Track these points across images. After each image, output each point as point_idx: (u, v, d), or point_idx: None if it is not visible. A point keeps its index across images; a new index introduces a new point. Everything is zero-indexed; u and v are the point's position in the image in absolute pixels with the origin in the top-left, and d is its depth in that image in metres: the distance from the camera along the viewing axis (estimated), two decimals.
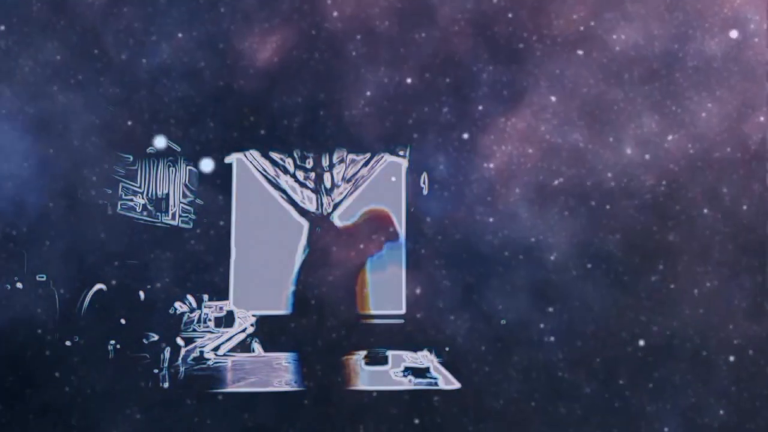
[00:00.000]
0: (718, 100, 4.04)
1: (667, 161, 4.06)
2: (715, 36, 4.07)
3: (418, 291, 4.68)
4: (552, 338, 4.14)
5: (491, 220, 4.31)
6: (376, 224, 4.81)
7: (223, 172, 4.81)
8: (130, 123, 3.93)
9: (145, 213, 4.14)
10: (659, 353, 4.02)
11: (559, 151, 4.15)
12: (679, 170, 4.06)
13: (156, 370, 3.62)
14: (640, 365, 4.02)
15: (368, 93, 4.24)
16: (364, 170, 4.92)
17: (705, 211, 4.07)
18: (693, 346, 4.03)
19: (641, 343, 4.03)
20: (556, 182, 4.17)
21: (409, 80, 4.26)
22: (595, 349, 4.05)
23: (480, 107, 4.26)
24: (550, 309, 4.17)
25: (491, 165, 4.30)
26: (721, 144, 4.05)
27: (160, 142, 4.23)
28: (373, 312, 4.83)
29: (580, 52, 4.07)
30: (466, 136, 4.37)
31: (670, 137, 4.06)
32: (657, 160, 4.06)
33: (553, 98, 4.12)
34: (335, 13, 4.07)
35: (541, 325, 4.16)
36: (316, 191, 4.87)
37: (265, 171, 4.84)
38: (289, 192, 4.85)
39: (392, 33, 4.12)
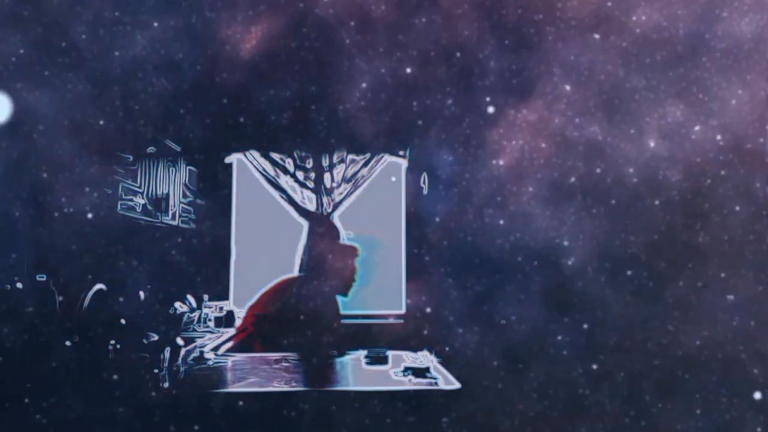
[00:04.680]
0: (749, 85, 3.85)
1: (695, 154, 3.88)
2: (746, 15, 3.85)
3: (418, 291, 4.68)
4: (570, 351, 3.94)
5: (500, 221, 4.15)
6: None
7: (223, 172, 4.96)
8: (129, 123, 4.00)
9: (145, 213, 4.22)
10: (689, 366, 3.83)
11: (575, 145, 3.99)
12: (707, 164, 3.89)
13: (156, 370, 3.64)
14: (669, 379, 3.84)
15: (364, 85, 4.11)
16: (364, 170, 5.02)
17: (737, 208, 3.87)
18: (726, 357, 3.82)
19: (669, 355, 3.86)
20: (572, 179, 4.02)
21: (408, 70, 4.10)
22: (618, 363, 3.88)
23: (487, 98, 4.08)
24: (566, 318, 3.96)
25: (501, 162, 4.12)
26: (753, 134, 3.86)
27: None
28: (373, 312, 4.96)
29: (597, 36, 3.92)
30: (471, 130, 4.22)
31: (697, 128, 3.88)
32: (683, 153, 3.89)
33: (567, 87, 3.98)
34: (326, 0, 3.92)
35: (559, 338, 3.94)
36: (316, 191, 4.97)
37: (265, 171, 4.93)
38: (289, 192, 4.95)
39: (390, 19, 3.98)
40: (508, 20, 3.96)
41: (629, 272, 3.90)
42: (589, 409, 3.82)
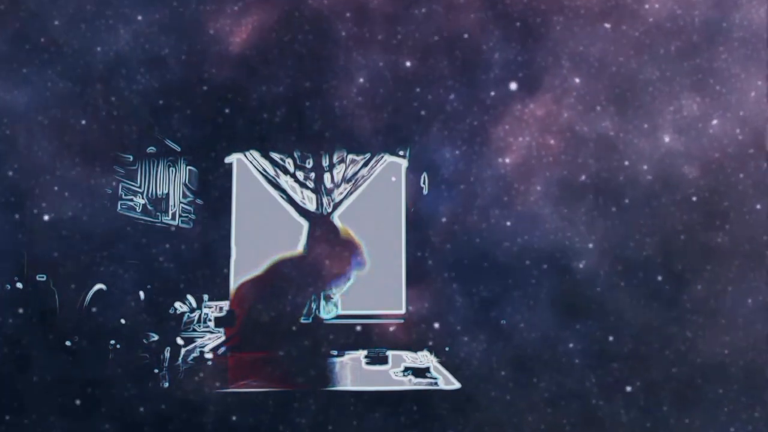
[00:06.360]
0: None
1: (712, 150, 3.81)
2: (765, 1, 3.75)
3: (418, 291, 4.73)
4: (580, 360, 3.83)
5: (507, 222, 4.07)
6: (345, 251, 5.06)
7: (223, 172, 5.04)
8: (129, 123, 4.04)
9: (145, 213, 4.27)
10: (708, 374, 3.74)
11: (586, 141, 3.92)
12: (725, 160, 3.80)
13: (156, 370, 3.75)
14: (686, 389, 3.73)
15: (361, 80, 4.04)
16: (364, 170, 5.08)
17: (757, 206, 3.77)
18: (747, 364, 3.70)
19: (687, 362, 3.75)
20: (582, 177, 3.93)
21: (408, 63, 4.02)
22: (633, 371, 3.76)
23: (492, 93, 3.99)
24: (577, 325, 3.85)
25: (507, 159, 4.02)
26: None
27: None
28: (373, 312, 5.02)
29: (607, 25, 3.86)
30: (475, 125, 4.16)
31: (714, 122, 3.80)
32: (700, 148, 3.82)
33: (577, 80, 3.91)
34: None
35: (570, 345, 3.82)
36: (316, 191, 5.05)
37: (265, 171, 5.02)
38: (289, 192, 5.04)
39: (388, 10, 3.90)
40: (513, 9, 3.88)
41: (643, 276, 3.84)
42: (602, 420, 3.70)
